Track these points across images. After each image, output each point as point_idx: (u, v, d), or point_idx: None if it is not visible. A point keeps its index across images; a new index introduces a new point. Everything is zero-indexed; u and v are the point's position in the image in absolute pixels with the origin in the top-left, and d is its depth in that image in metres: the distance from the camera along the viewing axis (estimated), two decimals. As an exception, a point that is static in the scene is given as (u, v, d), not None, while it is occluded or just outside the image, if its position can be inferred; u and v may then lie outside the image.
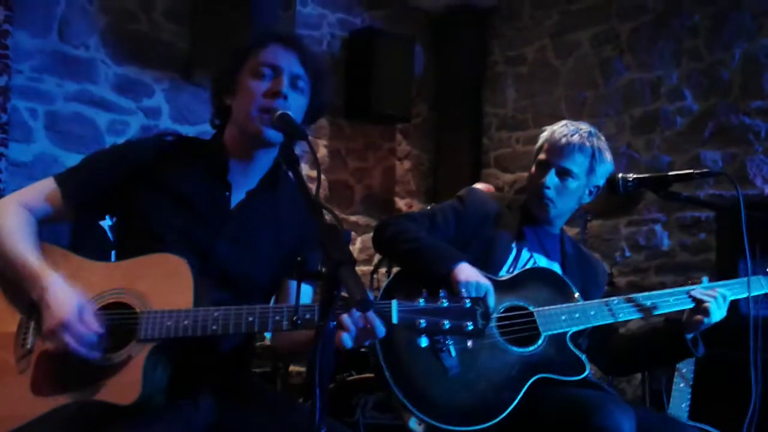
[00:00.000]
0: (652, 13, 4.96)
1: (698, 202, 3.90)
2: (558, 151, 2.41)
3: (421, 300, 1.65)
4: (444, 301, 1.64)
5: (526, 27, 5.78)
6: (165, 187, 1.88)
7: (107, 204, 1.93)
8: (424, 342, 1.67)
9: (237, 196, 1.93)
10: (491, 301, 2.16)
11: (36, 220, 1.86)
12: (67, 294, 1.69)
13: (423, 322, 1.63)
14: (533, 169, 2.49)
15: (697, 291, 2.30)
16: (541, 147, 2.49)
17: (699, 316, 2.26)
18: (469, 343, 1.69)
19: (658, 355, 2.46)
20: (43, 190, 1.88)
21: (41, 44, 4.37)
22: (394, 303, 1.64)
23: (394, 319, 1.64)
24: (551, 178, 2.41)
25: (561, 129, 2.45)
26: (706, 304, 2.25)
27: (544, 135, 2.50)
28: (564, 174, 2.41)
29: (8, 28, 4.12)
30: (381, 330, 1.64)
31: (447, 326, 1.62)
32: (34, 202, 1.87)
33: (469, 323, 1.62)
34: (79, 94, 4.52)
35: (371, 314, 1.62)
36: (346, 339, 1.64)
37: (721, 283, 2.35)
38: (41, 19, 4.37)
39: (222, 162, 1.92)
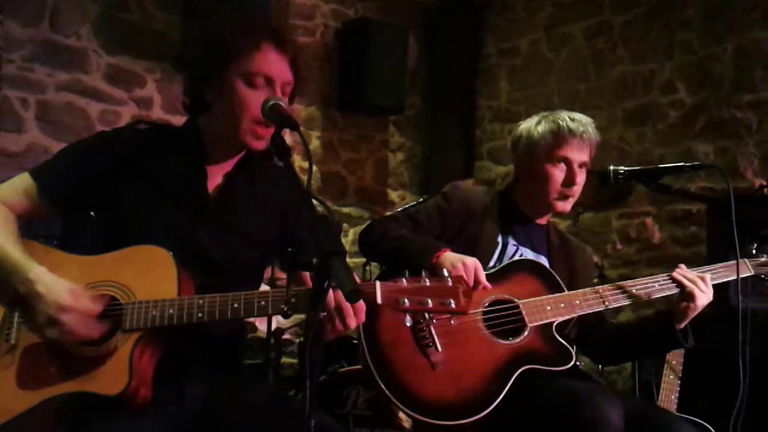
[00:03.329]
0: (645, 5, 4.96)
1: (689, 195, 3.90)
2: (579, 145, 2.40)
3: (404, 280, 1.65)
4: (426, 280, 1.65)
5: (519, 19, 5.78)
6: (142, 176, 1.87)
7: (84, 197, 1.89)
8: (408, 321, 1.68)
9: (214, 181, 1.93)
10: (481, 275, 2.17)
11: (15, 216, 1.82)
12: (56, 281, 1.69)
13: (406, 301, 1.63)
14: (544, 165, 2.41)
15: (678, 272, 2.31)
16: (553, 141, 2.40)
17: (685, 302, 2.27)
18: (453, 321, 1.69)
19: (647, 345, 2.47)
20: (19, 185, 1.85)
21: (32, 33, 4.34)
22: (378, 283, 1.66)
23: (378, 299, 1.64)
24: (579, 175, 2.41)
25: (574, 124, 2.40)
26: (688, 288, 2.26)
27: (551, 127, 2.42)
28: (582, 167, 2.43)
29: (-1, 16, 4.11)
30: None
31: (429, 304, 1.63)
32: (11, 198, 1.84)
33: (452, 300, 1.63)
34: (71, 84, 4.50)
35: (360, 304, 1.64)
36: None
37: (703, 267, 2.36)
38: (32, 7, 4.35)
39: (198, 149, 1.92)
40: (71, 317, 1.64)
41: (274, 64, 1.87)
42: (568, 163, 2.41)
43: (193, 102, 1.95)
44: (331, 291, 1.61)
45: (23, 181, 1.86)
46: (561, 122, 2.42)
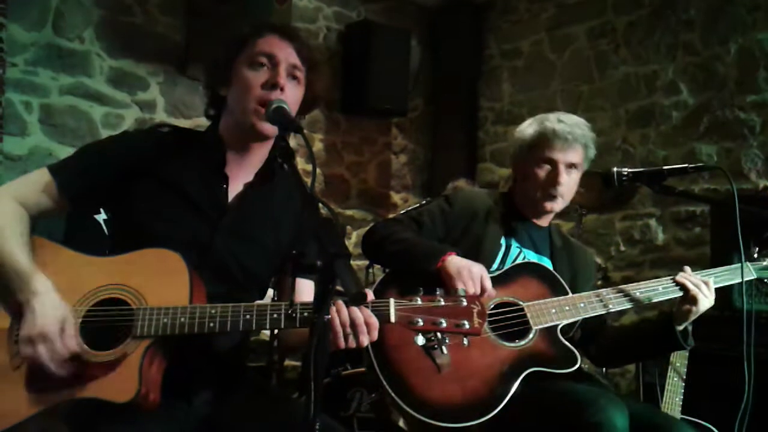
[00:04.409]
0: (648, 6, 4.96)
1: (693, 196, 3.91)
2: (564, 146, 2.40)
3: (418, 299, 1.64)
4: (440, 299, 1.64)
5: (522, 20, 5.78)
6: (161, 179, 1.85)
7: (103, 196, 1.89)
8: (420, 340, 1.67)
9: (234, 189, 1.91)
10: (488, 283, 2.17)
11: (29, 214, 1.80)
12: (54, 304, 1.66)
13: (420, 321, 1.63)
14: (532, 167, 2.44)
15: (682, 275, 2.32)
16: (538, 143, 2.44)
17: (687, 306, 2.28)
18: (465, 341, 1.69)
19: (649, 347, 2.47)
20: (37, 181, 1.82)
21: (36, 37, 4.35)
22: (392, 301, 1.64)
23: (392, 318, 1.64)
24: (563, 175, 2.41)
25: (560, 125, 2.42)
26: (692, 292, 2.27)
27: (537, 129, 2.45)
28: (570, 168, 2.43)
29: (2, 20, 4.11)
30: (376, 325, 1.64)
31: (444, 325, 1.63)
32: (28, 195, 1.81)
33: (466, 322, 1.63)
34: (74, 88, 4.50)
35: (366, 309, 1.63)
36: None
37: (706, 271, 2.37)
38: (36, 11, 4.35)
39: (219, 154, 1.90)
40: (45, 348, 1.61)
41: (275, 45, 1.88)
42: (553, 164, 2.42)
43: (212, 103, 1.96)
44: (344, 306, 1.62)
45: (42, 177, 1.83)
46: (548, 123, 2.44)
